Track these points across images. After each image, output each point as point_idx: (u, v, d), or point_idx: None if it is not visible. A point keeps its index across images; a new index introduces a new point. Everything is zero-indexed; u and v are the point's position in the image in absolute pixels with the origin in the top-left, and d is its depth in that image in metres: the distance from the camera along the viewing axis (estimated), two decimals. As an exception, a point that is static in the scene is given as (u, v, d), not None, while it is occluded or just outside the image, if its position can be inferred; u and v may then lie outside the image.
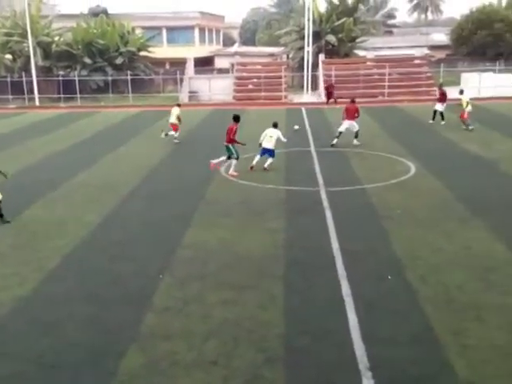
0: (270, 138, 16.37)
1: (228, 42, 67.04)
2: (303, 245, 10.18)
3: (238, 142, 15.83)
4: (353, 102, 20.08)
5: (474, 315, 7.37)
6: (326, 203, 12.73)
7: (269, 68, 40.43)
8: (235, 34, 77.14)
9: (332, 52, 42.47)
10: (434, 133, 22.06)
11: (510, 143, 19.20)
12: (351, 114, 19.66)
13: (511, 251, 9.48)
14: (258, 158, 16.46)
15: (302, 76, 39.65)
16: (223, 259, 9.56)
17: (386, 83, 35.78)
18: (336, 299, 7.95)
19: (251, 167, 16.18)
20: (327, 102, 31.30)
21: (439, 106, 23.86)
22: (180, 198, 13.72)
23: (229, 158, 16.04)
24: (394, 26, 79.06)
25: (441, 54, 51.63)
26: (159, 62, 45.35)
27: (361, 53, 44.83)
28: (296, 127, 22.86)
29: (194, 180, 15.48)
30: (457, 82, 39.12)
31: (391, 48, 51.30)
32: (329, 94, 32.83)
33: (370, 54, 42.42)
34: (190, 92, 38.70)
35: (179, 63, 43.29)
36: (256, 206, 12.76)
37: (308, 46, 38.39)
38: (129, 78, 38.51)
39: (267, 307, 7.80)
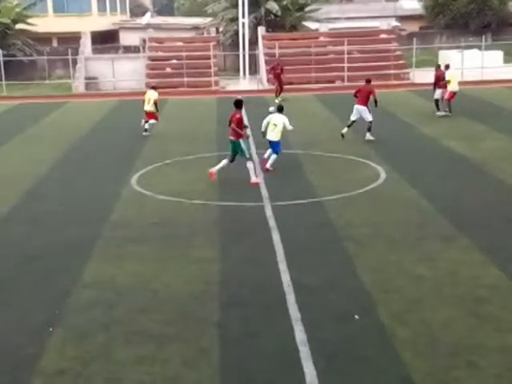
0: (273, 126, 16.75)
1: (137, 10, 66.68)
2: (243, 279, 10.18)
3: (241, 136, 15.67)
4: (368, 81, 20.98)
5: (465, 361, 7.59)
6: (272, 222, 12.83)
7: (193, 45, 40.57)
8: (147, 0, 76.92)
9: (275, 24, 43.14)
10: (407, 127, 22.78)
11: (499, 139, 20.10)
12: (363, 97, 20.34)
13: (506, 276, 9.87)
14: (268, 152, 17.16)
15: (237, 56, 40.00)
16: (136, 301, 9.41)
17: (345, 64, 36.65)
18: (288, 349, 7.98)
19: (266, 168, 16.72)
20: (277, 93, 30.60)
21: (437, 93, 24.70)
22: (76, 220, 13.47)
23: (232, 160, 15.89)
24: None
25: (413, 27, 53.56)
26: (43, 38, 44.50)
27: (312, 25, 45.76)
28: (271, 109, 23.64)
29: (94, 196, 15.24)
30: (434, 62, 40.67)
31: (350, 19, 52.68)
32: (278, 80, 30.70)
33: (324, 27, 43.39)
34: (88, 78, 38.16)
35: (71, 39, 42.66)
36: (180, 228, 12.69)
37: (243, 16, 38.81)
38: (1, 59, 37.50)
39: (196, 364, 7.73)
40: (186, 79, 36.93)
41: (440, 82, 24.17)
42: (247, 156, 15.96)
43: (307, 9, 45.44)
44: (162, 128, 23.93)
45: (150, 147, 20.76)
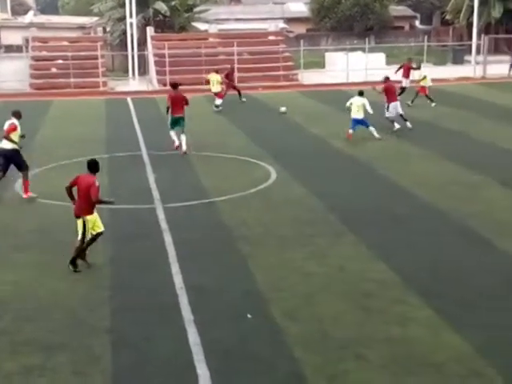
0: (356, 110, 19.99)
1: (19, 8, 64.28)
2: (135, 283, 10.06)
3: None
4: (387, 79, 22.46)
5: (353, 353, 7.85)
6: (164, 225, 12.74)
7: (79, 45, 39.60)
8: (29, -2, 74.28)
9: (164, 25, 42.86)
10: (296, 128, 23.24)
11: (385, 139, 20.86)
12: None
13: (392, 271, 10.28)
14: (351, 131, 20.15)
15: (126, 56, 39.39)
16: (21, 310, 9.14)
17: (236, 65, 36.87)
18: (182, 351, 7.96)
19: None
20: (239, 93, 29.11)
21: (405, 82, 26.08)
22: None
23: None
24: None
25: (300, 29, 54.80)
26: None
27: (201, 26, 45.81)
28: (283, 109, 25.40)
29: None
30: (320, 64, 41.81)
31: (239, 20, 53.21)
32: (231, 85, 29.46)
33: (213, 28, 43.55)
34: (-34, 78, 36.33)
35: None
36: (66, 233, 12.29)
37: (131, 16, 38.26)
38: None
39: (87, 372, 7.56)
40: (72, 80, 35.96)
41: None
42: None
43: (196, 10, 45.50)
44: (47, 130, 23.21)
45: (34, 150, 20.00)
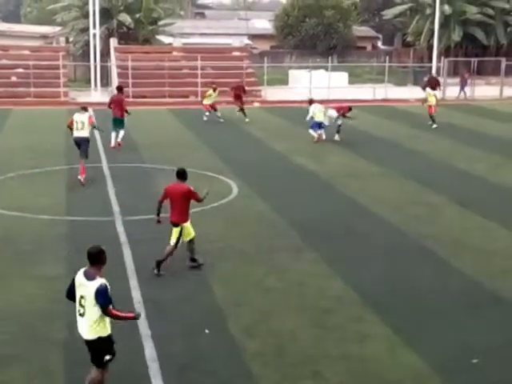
0: (321, 114, 22.73)
1: (-20, 16, 63.46)
2: (92, 295, 9.91)
3: None
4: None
5: (310, 370, 7.87)
6: (123, 238, 12.65)
7: (41, 54, 39.16)
8: (-9, 5, 73.40)
9: (128, 37, 42.74)
10: (259, 143, 23.34)
11: (344, 156, 21.13)
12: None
13: (350, 288, 10.37)
14: (319, 132, 22.89)
15: (89, 67, 39.12)
16: (-25, 323, 8.95)
17: (199, 79, 36.95)
18: (137, 366, 7.89)
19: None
20: (243, 111, 28.74)
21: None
22: None
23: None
24: (206, 7, 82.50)
25: (264, 45, 55.22)
26: None
27: (166, 39, 45.82)
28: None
29: None
30: (284, 81, 42.14)
31: (203, 35, 53.36)
32: (239, 100, 29.18)
33: (178, 42, 43.57)
34: None
35: None
36: (24, 244, 12.16)
37: (94, 27, 38.06)
38: None
39: (41, 386, 7.43)
40: (32, 89, 35.52)
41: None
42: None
43: (161, 23, 45.48)
44: (5, 139, 22.86)
45: (-8, 159, 19.74)
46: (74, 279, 7.03)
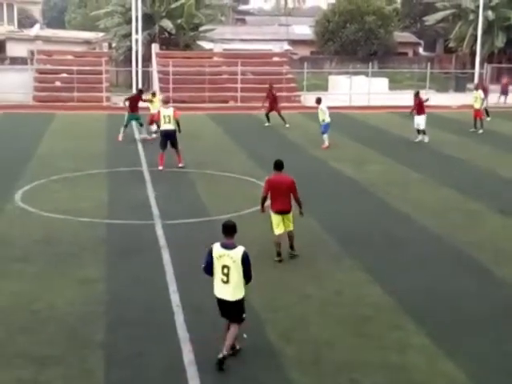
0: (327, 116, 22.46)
1: (26, 21, 64.73)
2: (132, 299, 10.03)
3: None
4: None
5: (348, 378, 7.80)
6: (162, 241, 12.72)
7: (84, 60, 39.77)
8: (36, 11, 74.81)
9: (169, 42, 43.12)
10: (298, 149, 23.28)
11: (384, 162, 20.96)
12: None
13: (389, 296, 10.25)
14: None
15: (130, 72, 39.58)
16: (16, 322, 9.09)
17: (239, 85, 37.09)
18: (176, 369, 7.92)
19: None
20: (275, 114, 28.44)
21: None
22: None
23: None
24: (247, 13, 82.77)
25: (304, 51, 55.11)
26: None
27: (207, 45, 46.09)
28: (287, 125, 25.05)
29: (-26, 212, 14.54)
30: (324, 87, 41.99)
31: (244, 41, 53.50)
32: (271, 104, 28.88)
33: (218, 48, 43.81)
34: (-30, 89, 36.46)
35: (-47, 48, 40.68)
36: (65, 246, 12.34)
37: (137, 33, 38.50)
38: None
39: (80, 387, 7.52)
40: (76, 94, 36.08)
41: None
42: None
43: (201, 28, 45.76)
44: (49, 143, 23.25)
45: (36, 163, 20.09)
46: (211, 255, 7.90)
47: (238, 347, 8.19)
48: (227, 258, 7.82)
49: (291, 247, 11.87)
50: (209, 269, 7.98)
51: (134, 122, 24.62)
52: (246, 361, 8.16)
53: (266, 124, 28.53)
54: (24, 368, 7.85)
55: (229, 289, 7.88)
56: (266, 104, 28.96)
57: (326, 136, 22.88)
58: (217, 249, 7.93)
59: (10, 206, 15.09)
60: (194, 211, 14.97)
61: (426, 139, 24.02)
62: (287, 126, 27.91)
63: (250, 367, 8.02)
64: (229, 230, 8.03)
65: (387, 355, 8.34)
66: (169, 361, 8.12)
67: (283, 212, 11.49)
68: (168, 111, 18.97)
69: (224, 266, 7.82)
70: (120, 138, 23.76)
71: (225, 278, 7.83)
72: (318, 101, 22.94)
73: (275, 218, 11.60)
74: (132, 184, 17.62)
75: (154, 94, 25.30)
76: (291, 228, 11.74)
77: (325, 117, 22.68)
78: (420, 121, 24.23)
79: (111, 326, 9.06)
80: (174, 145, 19.08)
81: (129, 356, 8.23)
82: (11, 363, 7.96)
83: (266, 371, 7.93)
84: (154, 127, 23.72)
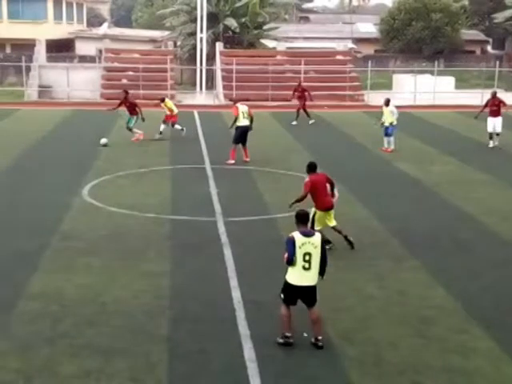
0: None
1: (94, 20, 66.31)
2: (194, 294, 10.14)
3: None
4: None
5: (410, 381, 7.70)
6: (224, 238, 12.82)
7: (150, 58, 40.44)
8: (104, 10, 76.54)
9: (233, 41, 43.40)
10: (361, 148, 23.09)
11: (449, 163, 20.57)
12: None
13: (452, 297, 10.07)
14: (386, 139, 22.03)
15: (194, 70, 40.05)
16: (84, 314, 9.30)
17: (302, 83, 36.95)
18: (236, 366, 7.96)
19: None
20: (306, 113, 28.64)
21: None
22: (23, 230, 13.22)
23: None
24: (311, 11, 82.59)
25: (368, 49, 54.55)
26: (-4, 44, 43.75)
27: (270, 43, 46.17)
28: (103, 141, 22.61)
29: (44, 205, 15.00)
30: (388, 85, 41.49)
31: (307, 39, 53.40)
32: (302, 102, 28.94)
33: (281, 46, 43.84)
34: (41, 86, 37.61)
35: (25, 46, 42.07)
36: (131, 241, 12.58)
37: (201, 31, 38.93)
38: (-48, 63, 36.71)
39: (144, 379, 7.66)
40: (142, 91, 36.70)
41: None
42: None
43: (265, 27, 45.86)
44: (116, 140, 23.74)
45: (102, 158, 20.57)
46: (294, 244, 8.16)
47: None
48: (309, 245, 8.20)
49: (345, 237, 12.15)
50: (293, 259, 8.20)
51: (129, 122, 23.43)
52: (306, 360, 8.15)
53: (311, 121, 28.49)
54: (90, 359, 8.04)
55: (310, 274, 8.26)
56: (307, 101, 28.91)
57: (392, 139, 22.03)
58: (298, 237, 8.22)
59: (77, 200, 15.48)
60: (255, 209, 15.04)
61: (496, 142, 23.23)
62: (311, 122, 28.17)
63: (311, 367, 8.00)
64: (304, 218, 8.49)
65: (451, 358, 8.19)
66: (230, 357, 8.18)
67: (329, 209, 11.87)
68: (245, 108, 19.65)
69: (306, 254, 8.19)
70: (135, 139, 23.31)
71: (306, 265, 8.19)
72: (387, 102, 22.01)
73: (320, 216, 11.85)
74: (195, 181, 17.83)
75: (162, 100, 24.36)
76: (335, 223, 12.04)
77: (393, 119, 21.85)
78: (497, 123, 22.89)
79: (174, 321, 9.19)
80: (245, 140, 19.65)
81: (191, 351, 8.33)
82: (79, 354, 8.16)
83: (326, 371, 7.90)
84: (162, 127, 23.79)
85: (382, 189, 17.24)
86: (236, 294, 10.07)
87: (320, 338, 8.36)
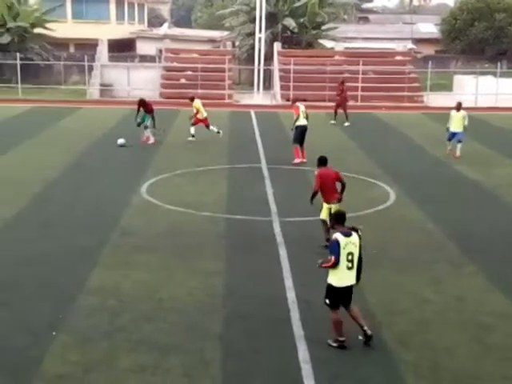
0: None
1: (155, 21, 67.30)
2: (248, 293, 10.18)
3: None
4: None
5: (467, 388, 7.57)
6: (279, 238, 12.83)
7: (208, 58, 40.78)
8: (165, 11, 77.60)
9: (291, 41, 43.38)
10: (419, 150, 22.78)
11: (510, 165, 20.08)
12: None
13: (513, 304, 9.84)
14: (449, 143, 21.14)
15: (252, 70, 40.20)
16: (140, 310, 9.44)
17: (360, 84, 36.74)
18: (290, 366, 7.96)
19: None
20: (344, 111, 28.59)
21: None
22: (84, 226, 13.51)
23: None
24: (370, 11, 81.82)
25: (429, 50, 53.75)
26: (61, 44, 44.93)
27: (328, 44, 45.98)
28: (120, 141, 22.41)
29: (104, 202, 15.30)
30: (448, 87, 40.77)
31: (366, 39, 52.98)
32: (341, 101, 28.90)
33: (340, 46, 43.60)
34: (103, 85, 38.41)
35: (88, 46, 43.00)
36: (187, 239, 12.72)
37: (260, 31, 39.03)
38: (18, 62, 37.81)
39: (197, 376, 7.74)
40: (200, 91, 37.05)
41: None
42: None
43: (324, 27, 45.69)
44: (173, 139, 24.04)
45: (160, 157, 20.87)
46: (339, 246, 8.21)
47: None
48: (351, 245, 8.30)
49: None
50: (339, 260, 8.27)
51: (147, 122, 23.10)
52: (361, 363, 8.10)
53: (332, 122, 28.37)
54: (146, 354, 8.17)
55: (352, 273, 8.36)
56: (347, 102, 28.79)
57: (459, 145, 20.83)
58: (342, 238, 8.30)
59: (136, 198, 15.75)
60: (311, 209, 14.96)
61: None
62: (347, 124, 27.84)
63: (366, 369, 7.94)
64: (342, 218, 8.59)
65: (510, 367, 8.00)
66: (284, 358, 8.18)
67: (335, 202, 11.93)
68: (303, 107, 19.85)
69: (349, 253, 8.27)
70: (151, 141, 22.83)
71: (349, 265, 8.29)
72: (459, 106, 20.88)
73: (325, 208, 12.06)
74: (251, 180, 17.90)
75: (192, 99, 23.56)
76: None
77: (465, 124, 20.74)
78: None
79: (228, 319, 9.25)
80: (304, 140, 19.75)
81: (244, 350, 8.38)
82: (135, 349, 8.30)
83: (381, 374, 7.83)
84: (192, 130, 23.16)
85: (438, 191, 16.97)
86: (291, 295, 10.07)
87: (366, 327, 8.39)
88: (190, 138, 23.23)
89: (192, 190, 16.53)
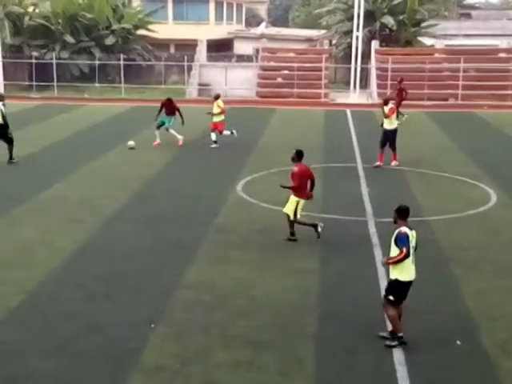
0: None
1: (252, 20, 67.88)
2: (343, 293, 10.13)
3: None
4: None
5: None
6: (375, 239, 12.68)
7: (305, 57, 40.76)
8: (262, 10, 78.10)
9: (389, 39, 42.67)
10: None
11: None
12: None
13: None
14: None
15: (349, 69, 39.81)
16: (236, 306, 9.57)
17: (460, 82, 35.73)
18: (385, 368, 7.86)
19: None
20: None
21: None
22: (182, 222, 13.80)
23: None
24: (472, 7, 79.24)
25: (535, 47, 51.42)
26: (162, 44, 46.01)
27: (427, 41, 44.90)
28: (130, 143, 22.05)
29: (201, 199, 15.58)
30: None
31: (468, 36, 51.28)
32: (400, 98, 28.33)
33: (440, 44, 42.53)
34: (201, 84, 39.15)
35: (188, 46, 43.84)
36: (281, 237, 12.75)
37: (358, 29, 38.59)
38: (122, 63, 39.13)
39: (291, 374, 7.75)
40: (295, 90, 37.15)
41: None
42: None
43: (424, 24, 44.65)
44: (269, 137, 24.19)
45: (256, 155, 21.03)
46: (407, 239, 8.18)
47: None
48: (413, 239, 8.34)
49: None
50: (410, 253, 8.22)
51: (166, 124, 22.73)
52: (457, 368, 7.88)
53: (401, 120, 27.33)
54: (241, 350, 8.27)
55: (414, 267, 8.34)
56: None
57: None
58: (409, 232, 8.29)
59: (232, 195, 15.96)
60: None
61: None
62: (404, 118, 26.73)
63: (462, 375, 7.72)
64: (407, 212, 8.50)
65: None
66: (378, 359, 8.08)
67: (305, 198, 12.39)
68: (386, 108, 19.11)
69: (412, 247, 8.29)
70: (180, 142, 22.51)
71: (413, 258, 8.29)
72: None
73: (295, 201, 12.32)
74: (346, 180, 17.76)
75: (217, 97, 22.89)
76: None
77: None
78: None
79: (322, 319, 9.22)
80: (394, 144, 19.23)
81: (338, 350, 8.33)
82: (230, 345, 8.42)
83: (477, 381, 7.60)
84: (213, 136, 22.26)
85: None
86: (385, 296, 9.92)
87: (401, 334, 8.32)
88: (214, 145, 22.22)
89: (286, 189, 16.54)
